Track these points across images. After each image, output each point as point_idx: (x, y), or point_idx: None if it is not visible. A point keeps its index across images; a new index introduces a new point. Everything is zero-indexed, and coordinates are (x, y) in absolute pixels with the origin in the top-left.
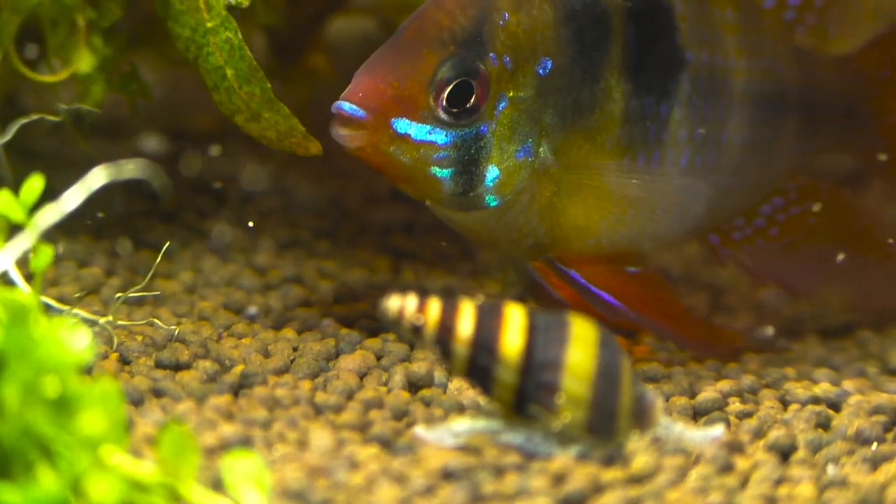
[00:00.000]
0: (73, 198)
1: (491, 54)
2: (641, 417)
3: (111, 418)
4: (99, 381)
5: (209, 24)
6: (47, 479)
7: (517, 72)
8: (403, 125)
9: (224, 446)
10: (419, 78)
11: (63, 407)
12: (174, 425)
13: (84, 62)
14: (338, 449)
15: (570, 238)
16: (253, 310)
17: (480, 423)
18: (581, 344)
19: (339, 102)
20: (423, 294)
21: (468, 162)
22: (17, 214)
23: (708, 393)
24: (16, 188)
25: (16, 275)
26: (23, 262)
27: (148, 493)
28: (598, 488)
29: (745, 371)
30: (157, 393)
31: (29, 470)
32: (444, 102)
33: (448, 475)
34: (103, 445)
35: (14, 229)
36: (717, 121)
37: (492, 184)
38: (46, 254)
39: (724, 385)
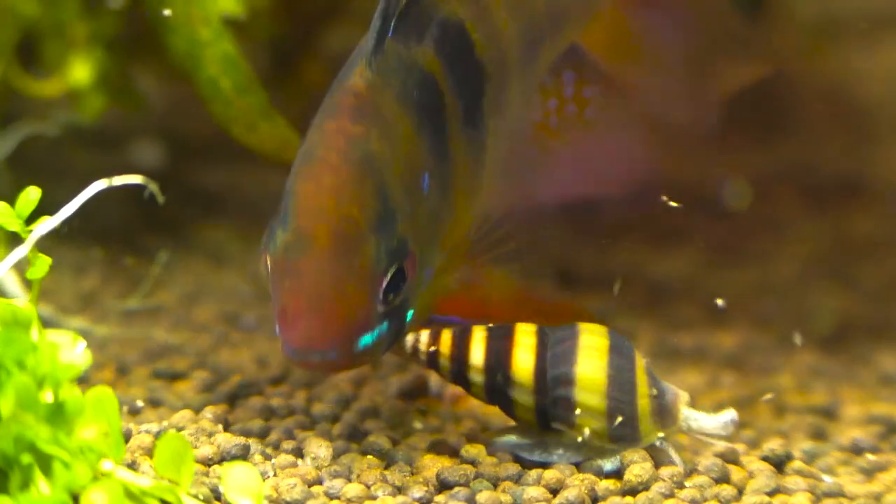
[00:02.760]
0: (71, 210)
1: (398, 217)
2: (664, 416)
3: (108, 428)
4: (95, 391)
5: (205, 37)
6: (44, 489)
7: (415, 212)
8: (363, 342)
9: (220, 456)
10: (366, 292)
11: (60, 416)
12: (171, 435)
13: (82, 75)
14: (334, 458)
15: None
16: (249, 319)
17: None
18: (591, 355)
19: (296, 351)
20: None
21: (399, 327)
22: (13, 225)
23: (704, 403)
24: (15, 201)
25: (13, 284)
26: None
27: (144, 502)
28: (594, 498)
29: (742, 380)
30: (154, 402)
31: (26, 480)
32: (383, 297)
33: (445, 485)
34: (100, 455)
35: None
36: (504, 93)
37: (407, 324)
38: (44, 264)
39: (721, 394)
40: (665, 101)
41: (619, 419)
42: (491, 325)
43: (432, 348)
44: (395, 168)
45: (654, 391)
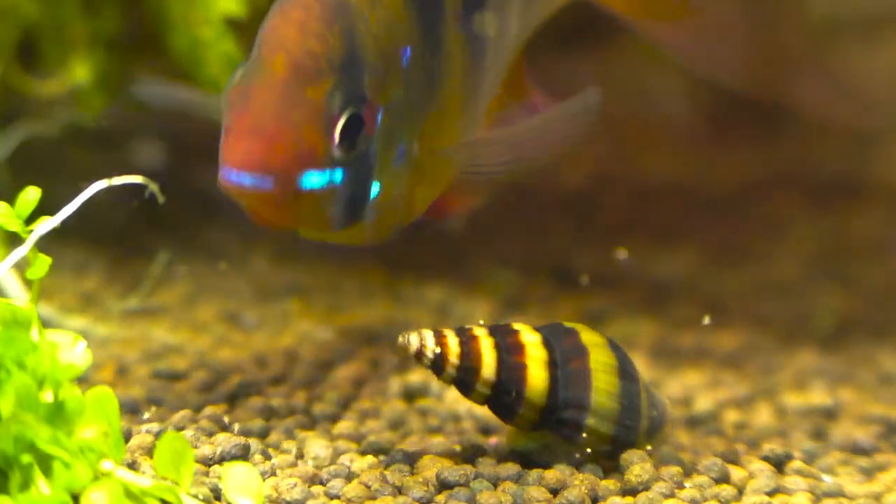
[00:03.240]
0: (71, 210)
1: (367, 69)
2: (654, 431)
3: (108, 428)
4: (95, 391)
5: (206, 37)
6: (44, 489)
7: (387, 76)
8: (308, 180)
9: (220, 456)
10: (314, 123)
11: (60, 416)
12: (171, 435)
13: (83, 75)
14: (334, 458)
15: (421, 211)
16: (249, 319)
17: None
18: (605, 380)
19: (233, 173)
20: (437, 330)
21: (357, 189)
22: (13, 225)
23: (703, 402)
24: (15, 200)
25: (14, 284)
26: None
27: (145, 502)
28: (594, 498)
29: (741, 380)
30: (154, 402)
31: (26, 480)
32: (338, 140)
33: (445, 485)
34: (100, 455)
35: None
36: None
37: (373, 200)
38: (44, 264)
39: (720, 394)
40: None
41: (622, 440)
42: (494, 326)
43: (437, 350)
44: (371, 26)
45: (654, 412)
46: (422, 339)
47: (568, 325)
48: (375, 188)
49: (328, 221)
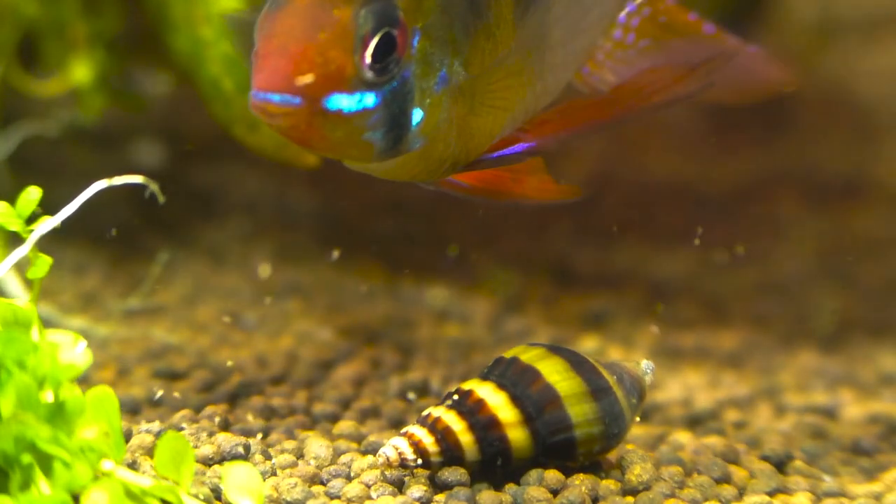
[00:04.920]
0: (71, 210)
1: None
2: (637, 410)
3: (108, 427)
4: (96, 391)
5: (207, 37)
6: (45, 489)
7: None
8: (336, 101)
9: (221, 456)
10: (341, 43)
11: (60, 416)
12: (171, 435)
13: (83, 75)
14: (334, 458)
15: (482, 146)
16: (249, 319)
17: None
18: (581, 410)
19: (260, 93)
20: (407, 433)
21: (397, 115)
22: (13, 225)
23: (704, 402)
24: (15, 200)
25: (14, 284)
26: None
27: (145, 502)
28: (594, 498)
29: (742, 380)
30: (154, 402)
31: (26, 480)
32: (369, 61)
33: (445, 485)
34: (101, 455)
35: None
36: None
37: (416, 127)
38: (44, 263)
39: (721, 394)
40: None
41: (615, 445)
42: (456, 401)
43: (419, 461)
44: None
45: (633, 399)
46: (400, 451)
47: (523, 358)
48: (417, 115)
49: (368, 149)
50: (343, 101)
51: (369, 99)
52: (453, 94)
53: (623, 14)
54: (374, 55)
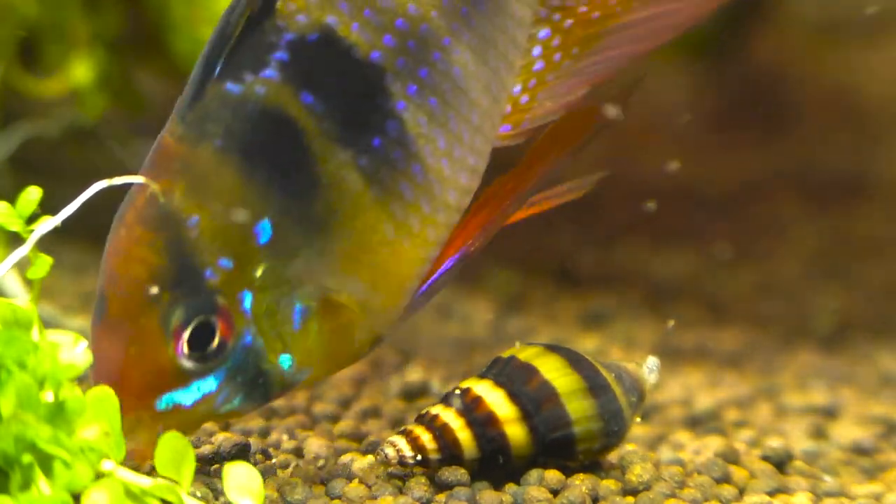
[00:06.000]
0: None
1: (206, 273)
2: (637, 408)
3: (109, 427)
4: (96, 391)
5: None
6: (45, 489)
7: (241, 261)
8: (167, 400)
9: (221, 455)
10: (152, 349)
11: (60, 416)
12: (171, 434)
13: (83, 75)
14: (335, 458)
15: (397, 309)
16: None
17: None
18: (580, 407)
19: None
20: (407, 430)
21: (253, 378)
22: (14, 225)
23: (704, 402)
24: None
25: (14, 284)
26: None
27: (145, 502)
28: (595, 498)
29: (742, 380)
30: None
31: (27, 480)
32: (187, 353)
33: (445, 485)
34: (101, 454)
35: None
36: (442, 69)
37: (292, 369)
38: (44, 263)
39: (721, 394)
40: None
41: (615, 444)
42: (454, 399)
43: (418, 457)
44: (205, 222)
45: (633, 397)
46: (398, 449)
47: (521, 357)
48: (286, 360)
49: (238, 414)
50: (177, 397)
51: (207, 385)
52: (326, 310)
53: (538, 46)
54: (191, 346)
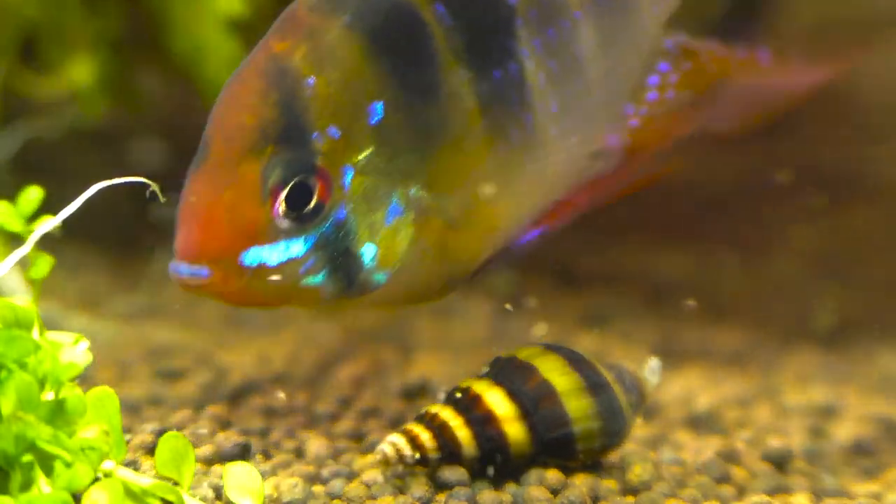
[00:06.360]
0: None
1: (314, 135)
2: (638, 408)
3: (109, 427)
4: (97, 390)
5: (208, 37)
6: (45, 489)
7: (349, 136)
8: (253, 256)
9: (221, 455)
10: (248, 199)
11: (61, 416)
12: (172, 434)
13: (84, 75)
14: (335, 458)
15: (482, 251)
16: (250, 318)
17: None
18: (578, 406)
19: (174, 265)
20: (406, 429)
21: (339, 256)
22: (15, 225)
23: (704, 401)
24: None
25: (15, 283)
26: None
27: (146, 502)
28: (595, 498)
29: (742, 379)
30: (155, 402)
31: (27, 479)
32: (283, 211)
33: (445, 485)
34: (101, 454)
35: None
36: (568, 41)
37: (373, 263)
38: (45, 263)
39: (721, 394)
40: None
41: (615, 444)
42: (453, 398)
43: (416, 456)
44: (318, 89)
45: (632, 397)
46: (397, 448)
47: (520, 356)
48: (369, 251)
49: (313, 294)
50: (264, 254)
51: (296, 247)
52: (418, 220)
53: (655, 76)
54: (288, 205)
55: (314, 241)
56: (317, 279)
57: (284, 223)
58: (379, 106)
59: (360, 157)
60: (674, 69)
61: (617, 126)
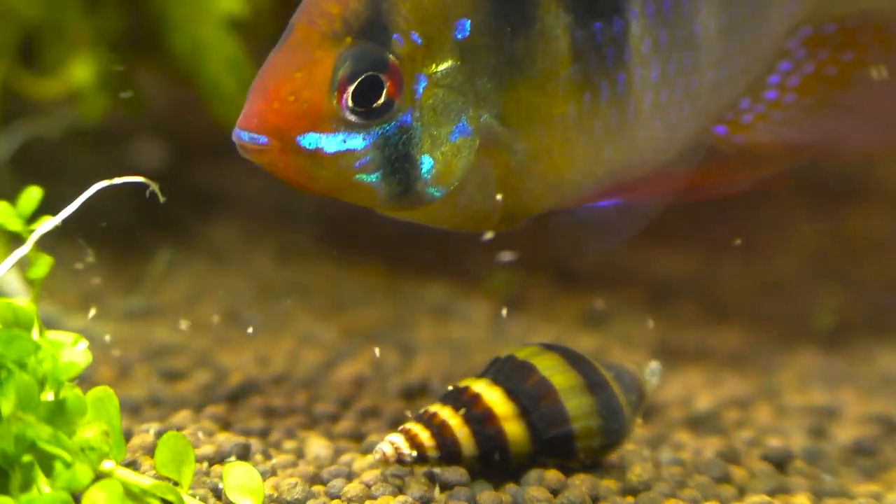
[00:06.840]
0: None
1: (395, 35)
2: (638, 408)
3: (109, 427)
4: (96, 391)
5: (208, 37)
6: (45, 489)
7: (431, 45)
8: (311, 140)
9: (221, 456)
10: (317, 83)
11: (61, 416)
12: (172, 434)
13: (84, 76)
14: (335, 458)
15: (546, 197)
16: (250, 318)
17: None
18: (577, 404)
19: (237, 130)
20: (405, 429)
21: (397, 159)
22: (14, 225)
23: (704, 402)
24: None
25: (15, 283)
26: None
27: (146, 502)
28: (595, 498)
29: (742, 379)
30: (155, 402)
31: (27, 479)
32: (350, 103)
33: (445, 485)
34: (101, 454)
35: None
36: (685, 16)
37: (429, 175)
38: (45, 263)
39: (721, 394)
40: None
41: (615, 443)
42: (452, 397)
43: (414, 454)
44: None
45: (632, 396)
46: (396, 447)
47: (519, 355)
48: (426, 162)
49: (367, 193)
50: (321, 141)
51: (355, 141)
52: (484, 147)
53: (776, 75)
54: (355, 98)
55: (374, 139)
56: (371, 177)
57: (349, 115)
58: (467, 23)
59: (438, 68)
60: (794, 69)
61: (728, 118)
